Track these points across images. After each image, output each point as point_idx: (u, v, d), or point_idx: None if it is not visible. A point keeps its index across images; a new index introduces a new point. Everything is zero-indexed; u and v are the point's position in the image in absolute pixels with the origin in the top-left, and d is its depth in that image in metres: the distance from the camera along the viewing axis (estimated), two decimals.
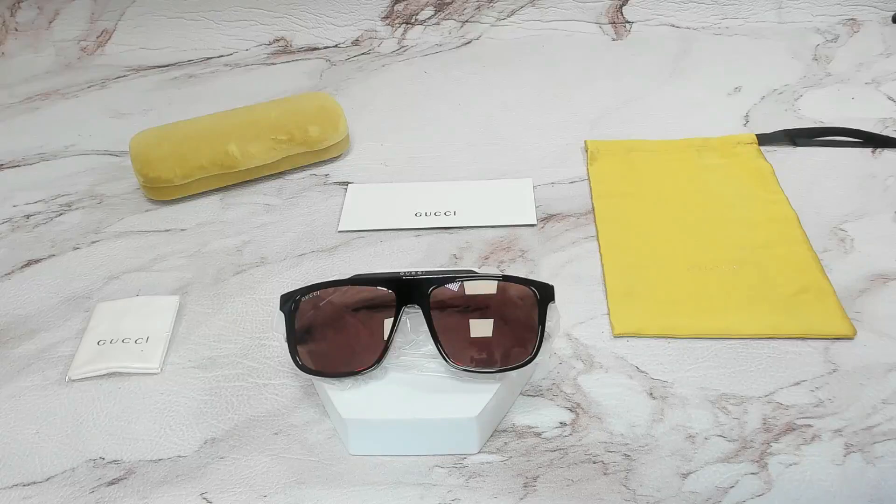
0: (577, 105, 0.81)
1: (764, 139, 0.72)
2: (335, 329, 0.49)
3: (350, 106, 0.77)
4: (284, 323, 0.48)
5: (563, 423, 0.48)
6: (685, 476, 0.44)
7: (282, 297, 0.48)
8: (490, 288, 0.48)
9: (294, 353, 0.47)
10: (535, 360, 0.46)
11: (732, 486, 0.43)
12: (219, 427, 0.49)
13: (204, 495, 0.45)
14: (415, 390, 0.46)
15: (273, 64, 0.95)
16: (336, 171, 0.74)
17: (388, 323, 0.47)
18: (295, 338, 0.48)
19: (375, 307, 0.48)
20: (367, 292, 0.49)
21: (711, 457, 0.45)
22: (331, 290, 0.49)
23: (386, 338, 0.47)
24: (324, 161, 0.75)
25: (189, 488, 0.45)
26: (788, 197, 0.65)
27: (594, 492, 0.44)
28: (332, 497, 0.44)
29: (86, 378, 0.52)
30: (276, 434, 0.48)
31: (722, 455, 0.45)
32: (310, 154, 0.73)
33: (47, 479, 0.47)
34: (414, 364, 0.48)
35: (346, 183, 0.72)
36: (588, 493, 0.44)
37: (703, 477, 0.44)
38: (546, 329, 0.46)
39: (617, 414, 0.48)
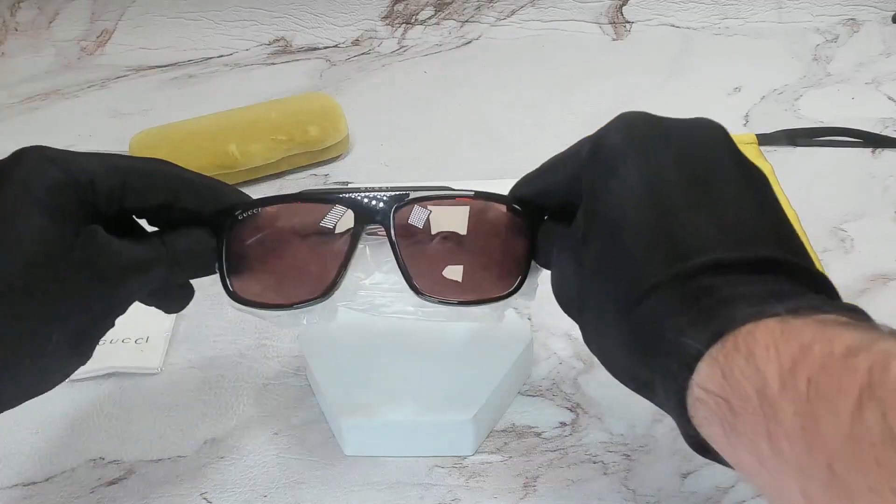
0: (577, 105, 0.81)
1: (764, 139, 0.72)
2: (279, 256, 0.42)
3: (350, 106, 0.77)
4: (216, 245, 0.40)
5: (563, 423, 0.48)
6: (685, 476, 0.44)
7: (214, 213, 0.40)
8: (469, 208, 0.41)
9: (227, 281, 0.40)
10: (519, 292, 0.40)
11: (732, 486, 0.43)
12: (219, 427, 0.49)
13: (204, 495, 0.45)
14: (410, 391, 0.46)
15: (273, 64, 0.95)
16: (336, 171, 0.74)
17: (344, 249, 0.40)
18: (231, 263, 0.40)
19: (329, 231, 0.41)
20: (319, 211, 0.41)
21: None
22: (275, 208, 0.41)
23: (338, 266, 0.40)
24: (324, 161, 0.75)
25: (189, 488, 0.45)
26: (788, 197, 0.65)
27: (594, 492, 0.44)
28: (331, 497, 0.44)
29: (86, 378, 0.52)
30: (276, 434, 0.48)
31: None
32: (310, 154, 0.73)
33: (47, 479, 0.47)
34: (373, 302, 0.42)
35: (346, 183, 0.72)
36: (588, 493, 0.44)
37: (703, 477, 0.44)
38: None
39: (617, 414, 0.48)
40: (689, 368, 0.28)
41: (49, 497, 0.46)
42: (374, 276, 0.42)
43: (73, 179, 0.36)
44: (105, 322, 0.38)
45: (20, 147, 0.38)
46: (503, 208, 0.41)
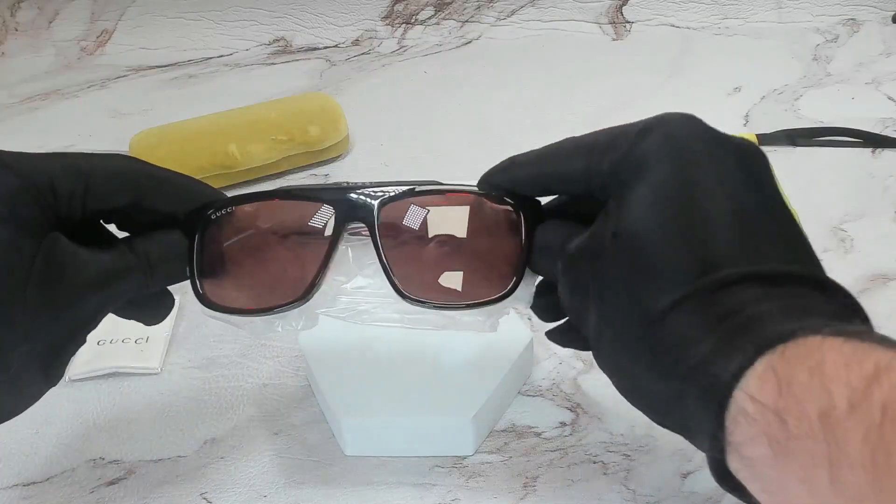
0: (577, 105, 0.81)
1: (764, 139, 0.72)
2: (255, 258, 0.39)
3: (350, 106, 0.77)
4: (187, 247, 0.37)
5: (563, 423, 0.48)
6: (685, 476, 0.44)
7: (186, 213, 0.37)
8: (460, 204, 0.38)
9: (197, 284, 0.38)
10: (512, 296, 0.37)
11: None
12: (219, 427, 0.49)
13: (204, 495, 0.45)
14: (410, 390, 0.46)
15: (273, 64, 0.95)
16: (336, 171, 0.74)
17: (324, 250, 0.37)
18: (203, 266, 0.38)
19: (309, 231, 0.38)
20: (298, 210, 0.38)
21: None
22: (251, 206, 0.39)
23: (317, 268, 0.37)
24: (324, 161, 0.74)
25: (189, 488, 0.45)
26: (788, 197, 0.65)
27: (594, 492, 0.44)
28: (331, 497, 0.44)
29: (86, 378, 0.52)
30: (276, 434, 0.48)
31: None
32: (310, 154, 0.73)
33: (47, 479, 0.47)
34: (356, 308, 0.39)
35: (346, 184, 0.72)
36: (588, 493, 0.44)
37: (703, 477, 0.44)
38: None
39: (617, 414, 0.48)
40: (736, 377, 0.26)
41: (49, 497, 0.46)
42: (357, 279, 0.39)
43: (30, 183, 0.33)
44: (75, 340, 0.35)
45: (20, 147, 0.36)
46: (498, 204, 0.37)
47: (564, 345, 0.40)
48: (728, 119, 0.77)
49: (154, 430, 0.49)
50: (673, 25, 0.95)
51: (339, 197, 0.37)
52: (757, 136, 0.72)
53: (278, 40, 0.98)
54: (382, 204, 0.37)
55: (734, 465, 0.27)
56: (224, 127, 0.72)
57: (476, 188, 0.38)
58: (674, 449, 0.45)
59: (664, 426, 0.31)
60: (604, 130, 0.35)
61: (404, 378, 0.47)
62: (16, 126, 0.85)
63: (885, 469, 0.21)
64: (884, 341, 0.25)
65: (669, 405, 0.29)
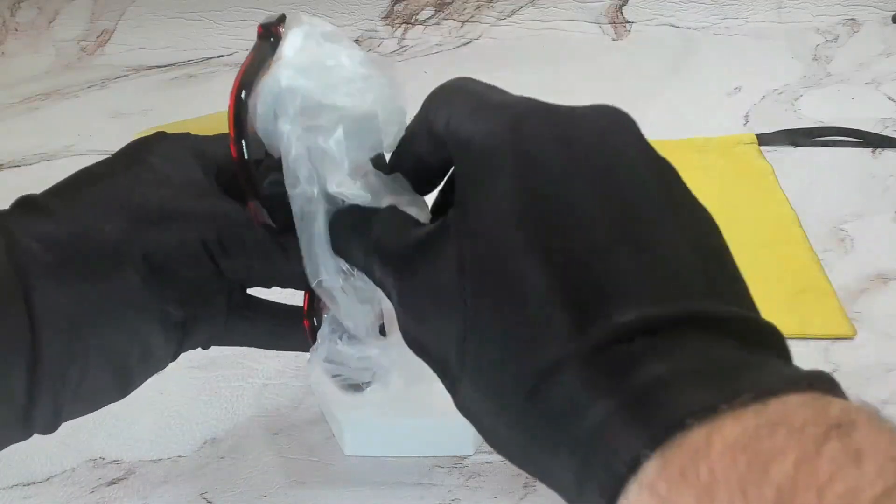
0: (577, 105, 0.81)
1: (764, 139, 0.72)
2: None
3: None
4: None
5: None
6: None
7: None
8: None
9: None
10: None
11: None
12: (219, 427, 0.49)
13: (204, 495, 0.45)
14: (410, 391, 0.46)
15: None
16: None
17: None
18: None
19: None
20: None
21: None
22: None
23: None
24: None
25: (189, 488, 0.45)
26: (788, 197, 0.65)
27: None
28: (331, 497, 0.44)
29: None
30: (276, 434, 0.48)
31: None
32: None
33: (47, 479, 0.47)
34: None
35: None
36: None
37: None
38: None
39: None
40: (613, 495, 0.20)
41: (49, 497, 0.46)
42: None
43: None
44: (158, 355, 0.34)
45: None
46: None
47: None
48: (728, 119, 0.77)
49: (154, 430, 0.49)
50: (673, 25, 0.95)
51: None
52: (757, 136, 0.72)
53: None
54: None
55: None
56: (224, 127, 0.72)
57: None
58: None
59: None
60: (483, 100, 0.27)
61: (404, 378, 0.47)
62: (16, 126, 0.85)
63: None
64: (788, 416, 0.19)
65: (565, 487, 0.23)
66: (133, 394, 0.52)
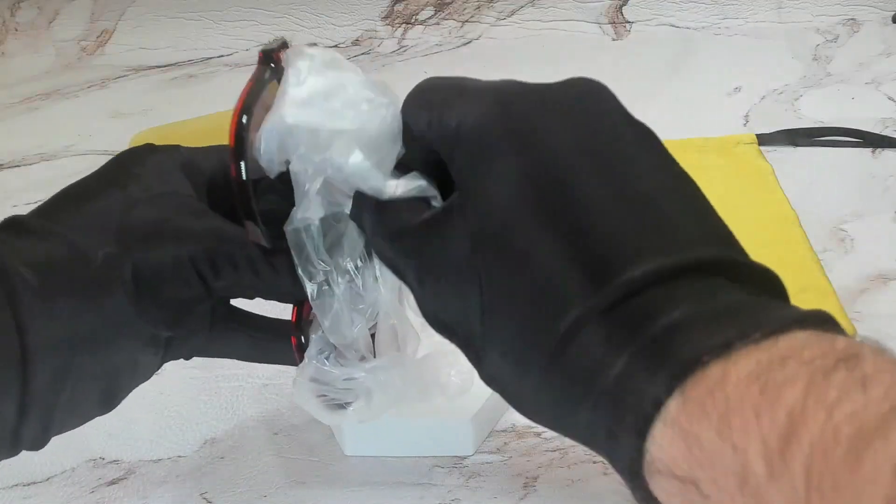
0: None
1: (764, 139, 0.72)
2: None
3: None
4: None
5: None
6: None
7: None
8: None
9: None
10: None
11: None
12: (219, 427, 0.49)
13: (204, 495, 0.45)
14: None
15: None
16: None
17: None
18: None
19: None
20: None
21: None
22: None
23: None
24: None
25: (189, 488, 0.45)
26: (788, 197, 0.65)
27: (594, 492, 0.44)
28: (331, 497, 0.44)
29: None
30: (276, 434, 0.48)
31: None
32: None
33: (47, 479, 0.47)
34: None
35: None
36: (588, 493, 0.44)
37: None
38: None
39: None
40: (641, 434, 0.22)
41: (49, 497, 0.46)
42: None
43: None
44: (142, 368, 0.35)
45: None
46: None
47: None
48: (728, 119, 0.77)
49: (154, 430, 0.49)
50: (673, 25, 0.95)
51: None
52: (757, 136, 0.72)
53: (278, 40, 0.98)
54: None
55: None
56: (224, 127, 0.72)
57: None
58: None
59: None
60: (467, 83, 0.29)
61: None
62: (16, 126, 0.85)
63: None
64: (793, 324, 0.21)
65: (594, 443, 0.25)
66: (133, 394, 0.52)
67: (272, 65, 0.33)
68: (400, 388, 0.36)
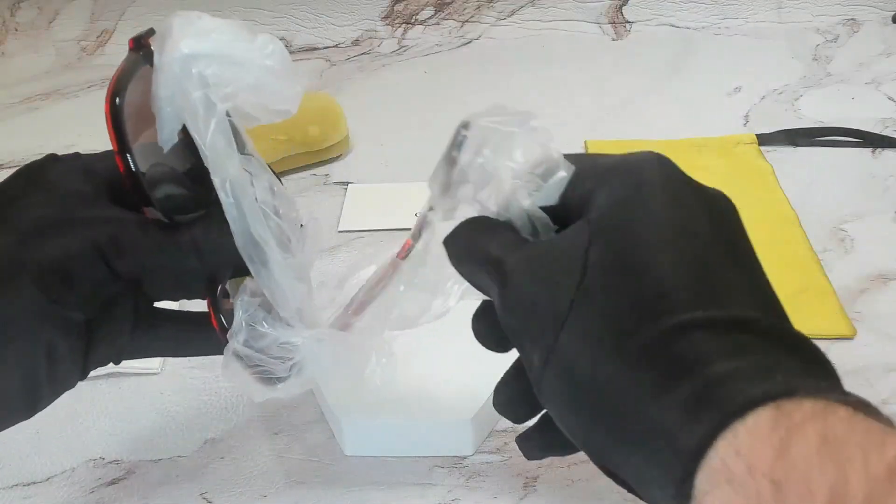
0: (577, 105, 0.81)
1: (764, 139, 0.72)
2: None
3: (350, 106, 0.77)
4: None
5: None
6: None
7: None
8: None
9: None
10: None
11: None
12: (219, 427, 0.49)
13: (204, 495, 0.45)
14: (410, 391, 0.46)
15: None
16: (336, 171, 0.74)
17: None
18: None
19: None
20: None
21: None
22: None
23: None
24: (324, 161, 0.74)
25: (189, 488, 0.45)
26: (788, 197, 0.65)
27: (594, 492, 0.44)
28: (331, 497, 0.44)
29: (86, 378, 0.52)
30: (276, 434, 0.48)
31: None
32: (310, 154, 0.73)
33: (47, 479, 0.47)
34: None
35: (346, 183, 0.72)
36: (588, 493, 0.44)
37: None
38: None
39: None
40: (739, 413, 0.23)
41: (49, 497, 0.46)
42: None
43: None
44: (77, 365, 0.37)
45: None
46: None
47: (541, 455, 0.38)
48: (728, 119, 0.77)
49: (154, 430, 0.49)
50: (673, 25, 0.95)
51: None
52: (757, 136, 0.72)
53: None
54: None
55: None
56: None
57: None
58: None
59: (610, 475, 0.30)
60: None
61: (404, 378, 0.47)
62: (16, 126, 0.85)
63: None
64: (888, 422, 0.23)
65: (650, 434, 0.27)
66: (133, 394, 0.52)
67: (141, 52, 0.34)
68: (327, 367, 0.36)
